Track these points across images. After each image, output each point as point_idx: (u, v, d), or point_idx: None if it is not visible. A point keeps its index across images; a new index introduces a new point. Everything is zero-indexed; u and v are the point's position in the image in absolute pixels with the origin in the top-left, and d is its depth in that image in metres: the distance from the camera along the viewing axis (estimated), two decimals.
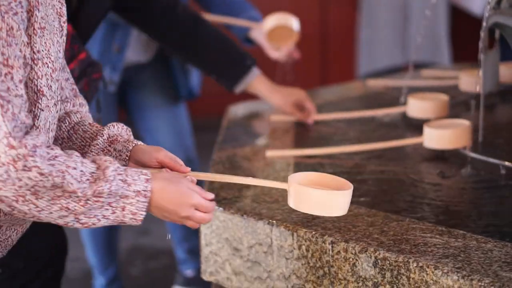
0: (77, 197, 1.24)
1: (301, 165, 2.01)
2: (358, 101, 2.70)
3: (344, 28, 5.10)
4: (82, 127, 1.47)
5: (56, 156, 1.23)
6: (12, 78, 1.21)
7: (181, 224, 1.36)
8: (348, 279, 1.56)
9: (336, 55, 5.28)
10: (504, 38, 2.03)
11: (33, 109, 1.31)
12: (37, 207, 1.24)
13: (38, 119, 1.31)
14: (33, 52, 1.29)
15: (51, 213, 1.25)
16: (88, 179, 1.25)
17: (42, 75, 1.31)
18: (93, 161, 1.29)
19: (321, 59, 5.32)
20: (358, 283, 1.55)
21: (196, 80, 2.97)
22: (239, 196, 1.81)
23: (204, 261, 1.80)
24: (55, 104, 1.37)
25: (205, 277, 1.82)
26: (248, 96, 2.98)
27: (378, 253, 1.51)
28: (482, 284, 1.37)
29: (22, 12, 1.25)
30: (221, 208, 1.75)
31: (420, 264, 1.45)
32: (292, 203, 1.44)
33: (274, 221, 1.67)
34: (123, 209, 1.29)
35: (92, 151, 1.44)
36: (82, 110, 1.53)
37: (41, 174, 1.21)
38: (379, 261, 1.51)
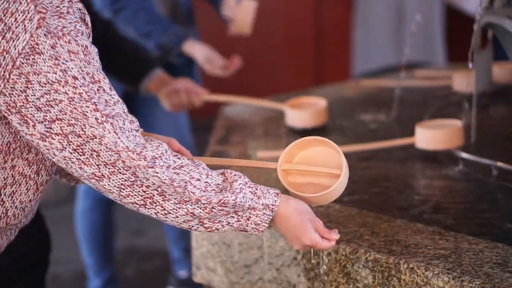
0: (202, 204, 1.29)
1: None
2: (351, 101, 2.69)
3: (339, 27, 5.09)
4: None
5: (182, 166, 1.29)
6: (104, 90, 1.27)
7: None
8: (339, 281, 1.56)
9: (331, 55, 5.28)
10: (497, 38, 2.02)
11: None
12: (164, 209, 1.29)
13: None
14: None
15: (177, 217, 1.30)
16: (213, 189, 1.30)
17: None
18: (222, 174, 1.34)
19: (316, 59, 5.32)
20: (349, 284, 1.54)
21: (198, 80, 2.99)
22: None
23: (195, 263, 1.80)
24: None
25: (196, 279, 1.81)
26: (245, 96, 2.98)
27: (369, 254, 1.50)
28: (473, 285, 1.37)
29: (86, 28, 1.30)
30: None
31: (411, 265, 1.45)
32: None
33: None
34: (248, 219, 1.33)
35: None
36: None
37: (163, 182, 1.26)
38: (370, 262, 1.50)
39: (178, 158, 1.30)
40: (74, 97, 1.23)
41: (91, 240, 3.00)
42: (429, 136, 2.01)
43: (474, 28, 1.96)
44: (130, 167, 1.25)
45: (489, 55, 2.32)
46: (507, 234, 1.59)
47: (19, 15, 1.23)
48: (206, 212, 1.30)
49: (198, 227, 1.33)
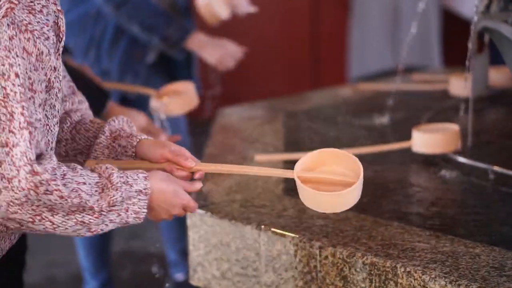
0: (92, 210, 1.27)
1: (290, 169, 2.00)
2: (348, 105, 2.69)
3: (336, 31, 5.10)
4: (83, 126, 1.48)
5: (64, 174, 1.25)
6: (34, 102, 1.24)
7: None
8: (336, 284, 1.56)
9: (328, 59, 5.28)
10: (493, 42, 2.03)
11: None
12: (53, 224, 1.26)
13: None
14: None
15: (66, 228, 1.28)
16: (96, 190, 1.28)
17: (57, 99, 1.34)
18: (92, 171, 1.31)
19: (312, 62, 5.33)
20: None
21: (196, 80, 2.98)
22: (227, 200, 1.80)
23: (192, 265, 1.80)
24: (57, 123, 1.37)
25: (193, 282, 1.81)
26: (241, 100, 2.99)
27: (366, 258, 1.51)
28: None
29: (53, 36, 1.28)
30: (209, 213, 1.74)
31: (408, 269, 1.45)
32: (301, 195, 1.40)
33: (262, 226, 1.66)
34: (126, 210, 1.31)
35: (96, 150, 1.45)
36: (81, 108, 1.53)
37: (61, 197, 1.24)
38: (367, 266, 1.50)
39: (59, 167, 1.25)
40: (9, 94, 1.21)
41: (88, 243, 2.99)
42: (426, 140, 2.01)
43: (471, 32, 1.96)
44: (24, 189, 1.21)
45: (485, 59, 2.33)
46: (504, 238, 1.60)
47: None
48: (95, 217, 1.28)
49: (85, 233, 1.30)
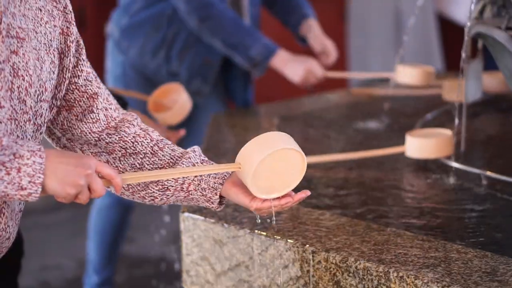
0: None
1: None
2: (343, 110, 2.70)
3: (332, 37, 5.10)
4: (168, 145, 1.48)
5: None
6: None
7: (75, 198, 1.28)
8: None
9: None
10: (487, 47, 2.03)
11: None
12: None
13: None
14: None
15: None
16: None
17: (3, 87, 1.29)
18: None
19: None
20: None
21: (252, 91, 2.98)
22: None
23: (185, 269, 1.80)
24: (29, 120, 1.34)
25: (186, 286, 1.81)
26: (229, 103, 2.98)
27: (359, 263, 1.51)
28: None
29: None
30: (202, 217, 1.74)
31: (401, 274, 1.45)
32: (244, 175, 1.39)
33: (256, 230, 1.66)
34: (18, 170, 1.22)
35: (183, 163, 1.44)
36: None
37: None
38: (360, 271, 1.51)
39: None
40: None
41: (101, 237, 2.96)
42: (419, 145, 2.02)
43: (465, 38, 1.97)
44: None
45: (479, 64, 2.33)
46: (496, 243, 1.60)
47: None
48: None
49: None
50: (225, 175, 1.44)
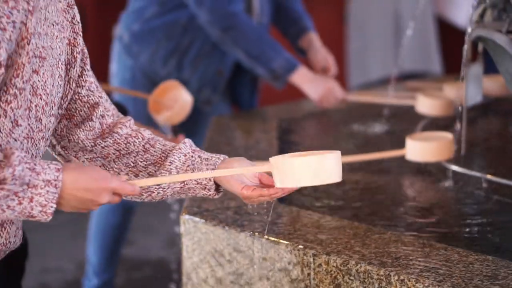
0: None
1: None
2: (343, 112, 2.70)
3: (331, 40, 5.10)
4: (159, 141, 1.47)
5: None
6: None
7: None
8: None
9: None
10: (488, 51, 2.04)
11: (6, 138, 1.27)
12: None
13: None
14: (22, 81, 1.28)
15: None
16: None
17: (22, 106, 1.29)
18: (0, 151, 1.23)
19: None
20: None
21: (258, 97, 2.98)
22: (221, 207, 1.80)
23: (185, 273, 1.80)
24: (43, 138, 1.35)
25: None
26: (235, 108, 2.99)
27: (360, 266, 1.51)
28: None
29: (12, 32, 1.24)
30: (203, 220, 1.74)
31: (402, 277, 1.45)
32: (278, 181, 1.36)
33: (256, 233, 1.66)
34: (31, 200, 1.21)
35: (174, 155, 1.43)
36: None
37: None
38: (360, 274, 1.51)
39: None
40: None
41: (101, 240, 2.95)
42: (420, 148, 2.02)
43: (465, 42, 1.97)
44: None
45: (479, 68, 2.34)
46: (497, 247, 1.60)
47: None
48: None
49: None
50: (216, 161, 1.43)
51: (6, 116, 1.27)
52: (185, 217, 1.77)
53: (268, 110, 2.84)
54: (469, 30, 1.96)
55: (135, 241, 3.81)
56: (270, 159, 1.39)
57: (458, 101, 2.08)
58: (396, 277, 1.46)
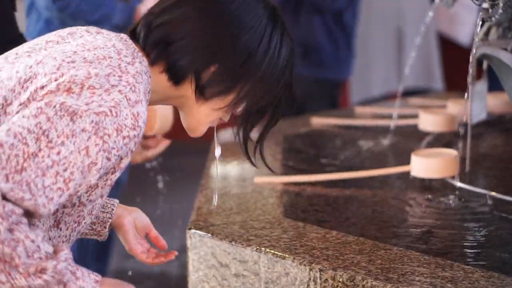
0: (18, 272, 1.19)
1: (289, 191, 2.02)
2: (347, 128, 2.70)
3: None
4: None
5: (20, 222, 1.20)
6: (60, 196, 1.23)
7: None
8: None
9: None
10: (492, 68, 2.05)
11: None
12: None
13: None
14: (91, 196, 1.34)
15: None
16: (40, 257, 1.21)
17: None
18: (52, 245, 1.26)
19: None
20: None
21: None
22: (227, 222, 1.81)
23: (191, 287, 1.80)
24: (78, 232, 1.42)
25: None
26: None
27: (366, 281, 1.51)
28: None
29: (112, 163, 1.28)
30: (209, 234, 1.75)
31: None
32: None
33: (262, 248, 1.67)
34: None
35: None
36: None
37: None
38: None
39: (22, 216, 1.20)
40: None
41: (84, 248, 2.95)
42: (425, 164, 2.02)
43: (470, 59, 1.98)
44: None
45: (484, 85, 2.35)
46: (503, 263, 1.61)
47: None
48: (23, 276, 1.19)
49: None
50: (112, 209, 1.52)
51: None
52: (191, 231, 1.78)
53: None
54: (474, 47, 1.97)
55: None
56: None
57: (462, 118, 2.09)
58: None
